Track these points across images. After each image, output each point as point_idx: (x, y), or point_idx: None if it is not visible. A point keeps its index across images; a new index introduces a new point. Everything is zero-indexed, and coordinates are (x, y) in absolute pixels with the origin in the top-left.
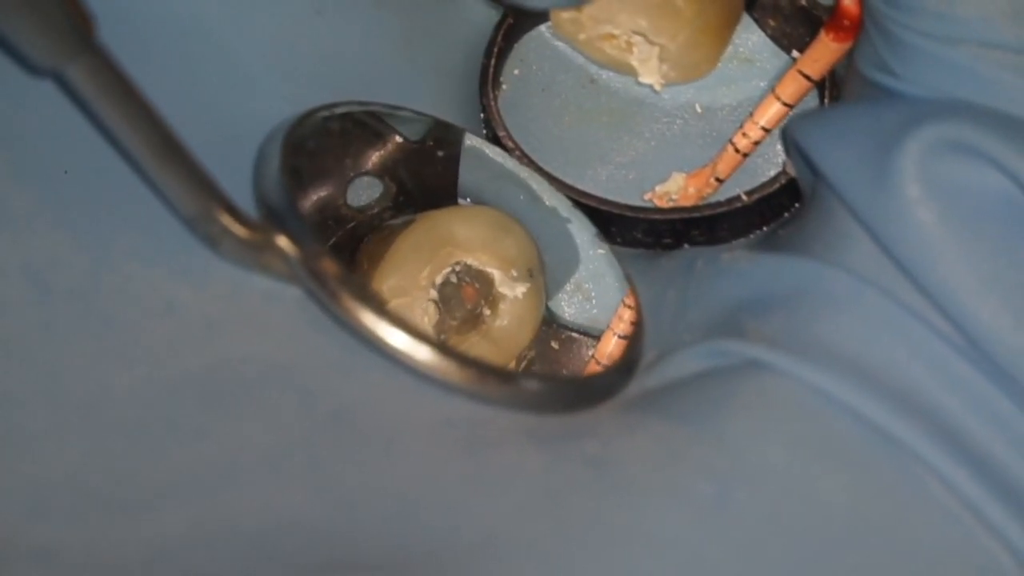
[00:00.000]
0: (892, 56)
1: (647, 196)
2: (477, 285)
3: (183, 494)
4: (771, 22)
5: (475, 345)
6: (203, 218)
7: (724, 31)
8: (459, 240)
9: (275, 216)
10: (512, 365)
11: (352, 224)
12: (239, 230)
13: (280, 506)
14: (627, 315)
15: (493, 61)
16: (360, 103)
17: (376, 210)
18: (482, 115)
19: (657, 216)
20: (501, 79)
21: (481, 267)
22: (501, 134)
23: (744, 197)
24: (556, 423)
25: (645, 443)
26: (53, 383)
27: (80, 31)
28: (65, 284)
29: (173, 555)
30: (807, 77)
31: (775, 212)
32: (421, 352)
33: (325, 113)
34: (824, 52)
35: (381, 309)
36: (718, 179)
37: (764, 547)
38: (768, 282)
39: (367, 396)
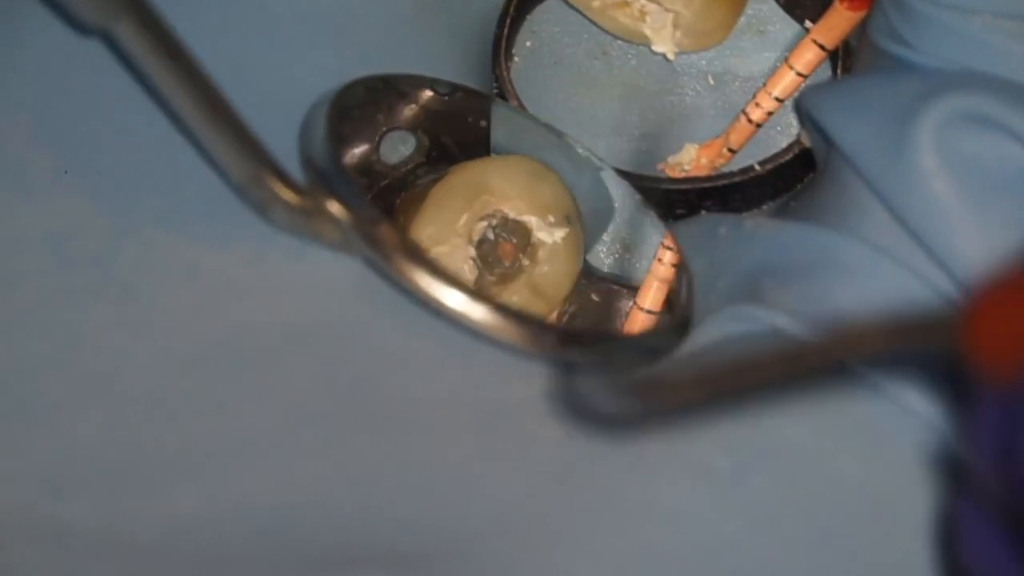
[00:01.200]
0: (905, 26)
1: (660, 167)
2: (514, 240)
3: (199, 470)
4: None
5: (517, 293)
6: (253, 184)
7: None
8: (494, 188)
9: (324, 182)
10: (554, 316)
11: (386, 181)
12: (289, 196)
13: (295, 483)
14: (667, 257)
15: (506, 32)
16: (408, 76)
17: (410, 166)
18: (495, 86)
19: (670, 186)
20: (513, 51)
21: (518, 216)
22: (514, 104)
23: (757, 167)
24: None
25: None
26: (71, 354)
27: None
28: (86, 252)
29: (188, 534)
30: (821, 46)
31: (788, 183)
32: (479, 312)
33: (372, 83)
34: (838, 21)
35: (437, 270)
36: (731, 150)
37: (780, 521)
38: (789, 250)
39: (386, 364)
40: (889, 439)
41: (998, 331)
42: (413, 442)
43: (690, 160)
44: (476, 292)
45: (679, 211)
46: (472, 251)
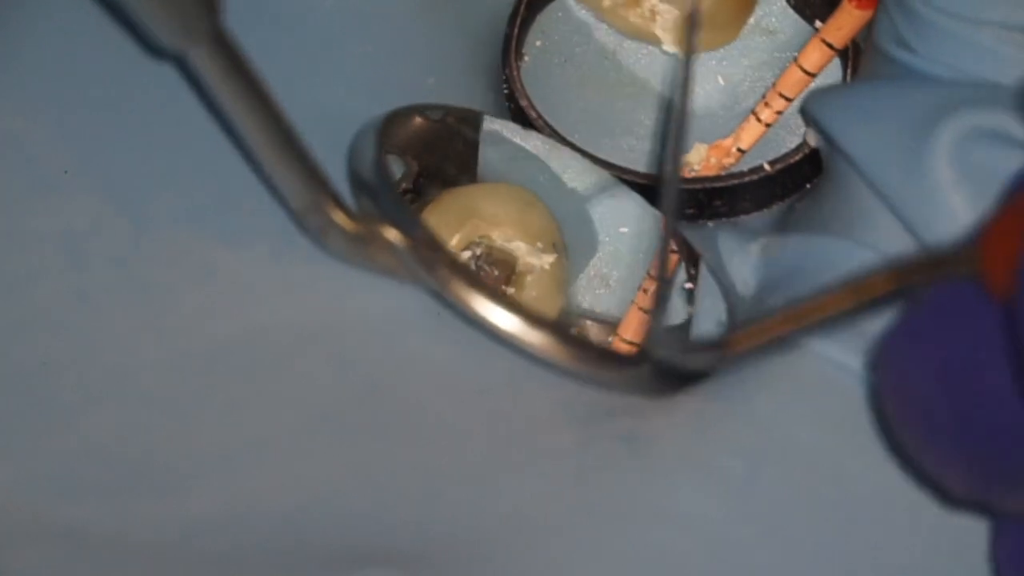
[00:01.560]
0: (911, 32)
1: None
2: (496, 272)
3: (213, 472)
4: None
5: None
6: (312, 210)
7: None
8: (484, 214)
9: (378, 208)
10: None
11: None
12: (346, 223)
13: (308, 484)
14: (652, 288)
15: (516, 31)
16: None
17: (399, 190)
18: (504, 85)
19: (680, 186)
20: (523, 50)
21: (506, 242)
22: (524, 104)
23: (767, 167)
24: (589, 399)
25: (678, 420)
26: (86, 354)
27: (208, 15)
28: (103, 251)
29: (201, 535)
30: (830, 46)
31: (797, 183)
32: (536, 337)
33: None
34: (847, 20)
35: (494, 295)
36: (740, 150)
37: (792, 524)
38: (795, 261)
39: (401, 367)
40: None
41: (1000, 251)
42: (427, 445)
43: (700, 160)
44: (533, 316)
45: (688, 211)
46: None
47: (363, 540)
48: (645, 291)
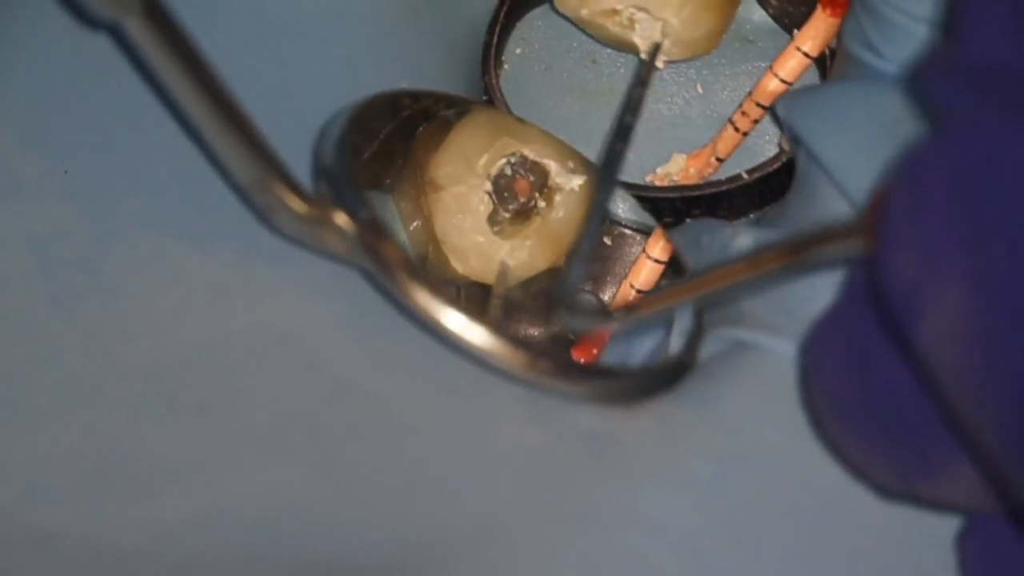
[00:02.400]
0: (877, 34)
1: (648, 178)
2: (532, 178)
3: (184, 476)
4: (773, 1)
5: (530, 236)
6: (258, 187)
7: (727, 8)
8: (516, 130)
9: (333, 192)
10: (563, 260)
11: (408, 113)
12: (295, 203)
13: (280, 489)
14: (666, 239)
15: (495, 39)
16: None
17: (431, 99)
18: (484, 93)
19: (658, 195)
20: (503, 57)
21: (537, 158)
22: (504, 111)
23: (745, 176)
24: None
25: (643, 422)
26: (54, 357)
27: None
28: (70, 254)
29: (174, 541)
30: (805, 54)
31: (775, 191)
32: (478, 336)
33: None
34: (821, 27)
35: (440, 291)
36: (718, 159)
37: (761, 529)
38: None
39: (369, 368)
40: None
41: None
42: (395, 448)
43: (678, 170)
44: (475, 315)
45: (666, 219)
46: (488, 185)
47: (333, 545)
48: (656, 241)
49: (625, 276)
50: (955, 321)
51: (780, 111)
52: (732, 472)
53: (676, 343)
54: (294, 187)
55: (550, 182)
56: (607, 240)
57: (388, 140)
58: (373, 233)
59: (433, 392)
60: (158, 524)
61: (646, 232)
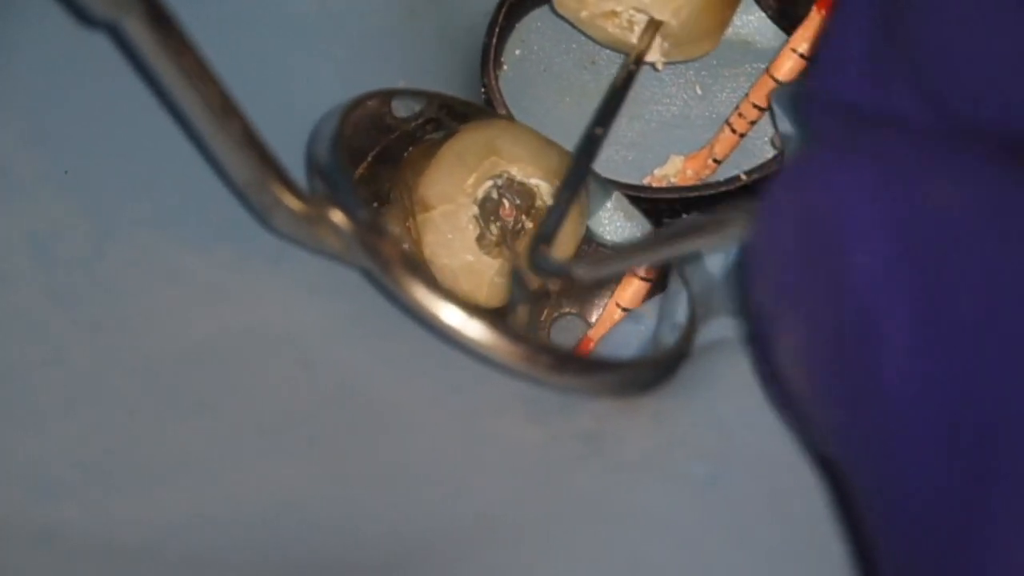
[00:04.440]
0: None
1: (646, 180)
2: (518, 201)
3: (185, 474)
4: (772, 2)
5: (519, 254)
6: (256, 186)
7: (726, 9)
8: (504, 150)
9: (330, 190)
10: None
11: (396, 134)
12: (292, 202)
13: (280, 486)
14: None
15: (494, 40)
16: (416, 91)
17: (420, 120)
18: (483, 94)
19: (656, 196)
20: (502, 59)
21: (525, 179)
22: (503, 113)
23: (743, 177)
24: (552, 395)
25: (641, 420)
26: (55, 356)
27: None
28: (70, 253)
29: (175, 538)
30: (801, 55)
31: None
32: (476, 330)
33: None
34: (817, 29)
35: (436, 286)
36: (716, 160)
37: (755, 530)
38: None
39: (369, 366)
40: None
41: None
42: (395, 446)
43: (676, 172)
44: (474, 309)
45: (665, 221)
46: (476, 209)
47: (335, 540)
48: None
49: (610, 297)
50: (793, 353)
51: (775, 103)
52: (729, 470)
53: (670, 336)
54: (291, 186)
55: (537, 203)
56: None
57: (375, 163)
58: (370, 230)
59: (432, 390)
60: (159, 521)
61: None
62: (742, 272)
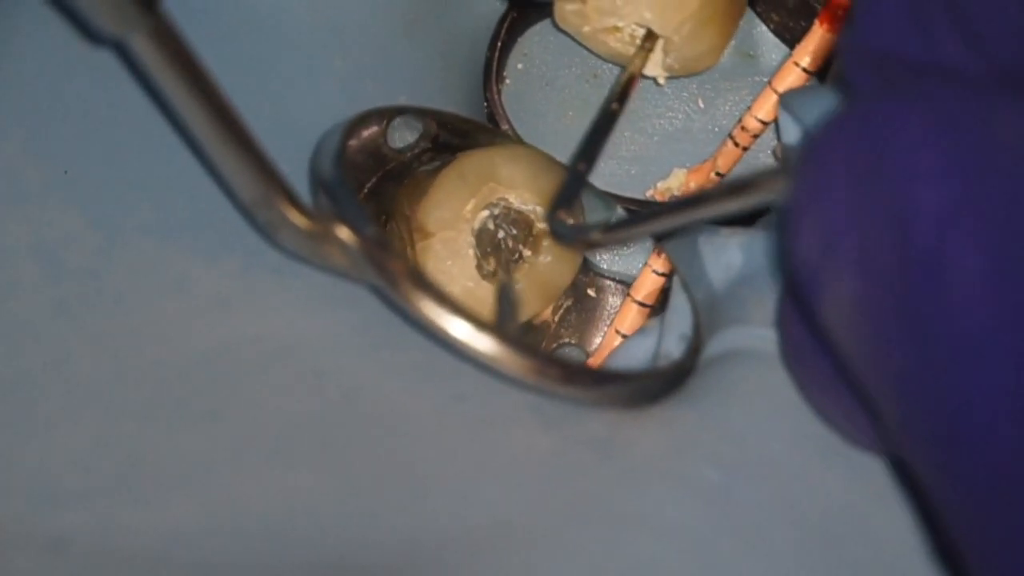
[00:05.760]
0: None
1: (648, 193)
2: (514, 231)
3: (193, 482)
4: (774, 16)
5: (518, 283)
6: (262, 204)
7: (728, 24)
8: (501, 177)
9: (335, 207)
10: (550, 310)
11: (392, 165)
12: (298, 219)
13: (290, 494)
14: (649, 282)
15: (497, 55)
16: (417, 108)
17: (416, 151)
18: (486, 108)
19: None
20: (505, 73)
21: (522, 205)
22: (505, 127)
23: None
24: (562, 402)
25: (652, 427)
26: (62, 365)
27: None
28: (77, 262)
29: (183, 546)
30: (803, 69)
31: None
32: (485, 344)
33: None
34: (819, 42)
35: (445, 300)
36: (719, 173)
37: (767, 537)
38: (763, 256)
39: (377, 375)
40: (871, 461)
41: None
42: (404, 454)
43: (679, 185)
44: (482, 323)
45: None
46: (472, 239)
47: (344, 548)
48: (642, 283)
49: (609, 324)
50: (847, 304)
51: (782, 106)
52: (740, 477)
53: (676, 348)
54: (296, 203)
55: (535, 231)
56: (591, 292)
57: (370, 196)
58: (376, 245)
59: (440, 399)
60: (167, 529)
61: (627, 283)
62: (780, 234)
